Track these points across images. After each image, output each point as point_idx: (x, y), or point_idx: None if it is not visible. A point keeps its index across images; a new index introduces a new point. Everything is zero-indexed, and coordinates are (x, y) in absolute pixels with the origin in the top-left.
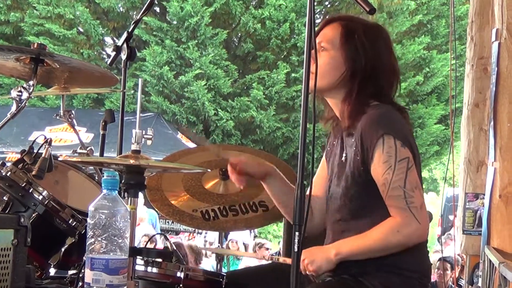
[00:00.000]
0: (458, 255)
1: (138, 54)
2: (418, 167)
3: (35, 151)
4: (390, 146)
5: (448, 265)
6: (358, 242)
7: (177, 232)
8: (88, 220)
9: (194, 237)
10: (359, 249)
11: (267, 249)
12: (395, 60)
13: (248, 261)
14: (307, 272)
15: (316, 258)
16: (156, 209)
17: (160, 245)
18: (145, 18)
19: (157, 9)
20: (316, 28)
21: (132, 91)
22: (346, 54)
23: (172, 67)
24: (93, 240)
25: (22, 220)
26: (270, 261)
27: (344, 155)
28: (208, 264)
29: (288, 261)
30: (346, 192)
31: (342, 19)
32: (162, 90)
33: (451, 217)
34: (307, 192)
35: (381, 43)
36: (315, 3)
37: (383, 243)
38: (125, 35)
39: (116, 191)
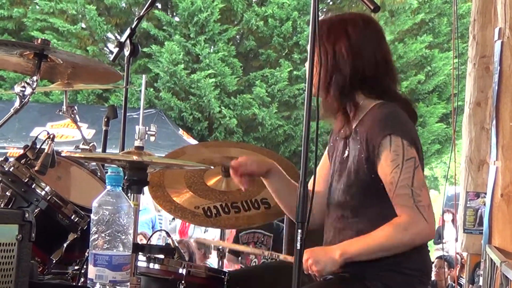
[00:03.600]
0: (458, 253)
1: (147, 49)
2: (422, 166)
3: (38, 146)
4: (398, 145)
5: (445, 263)
6: (364, 242)
7: None
8: (92, 216)
9: None
10: (365, 249)
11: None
12: (382, 54)
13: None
14: (310, 272)
15: (321, 259)
16: (158, 206)
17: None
18: (155, 12)
19: (163, 5)
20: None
21: (140, 88)
22: (327, 54)
23: (183, 64)
24: (96, 236)
25: (26, 215)
26: (270, 258)
27: (347, 152)
28: (209, 261)
29: (289, 258)
30: (348, 189)
31: (326, 21)
32: (173, 87)
33: (446, 216)
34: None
35: (363, 39)
36: (318, 1)
37: (390, 242)
38: (128, 31)
39: (120, 187)
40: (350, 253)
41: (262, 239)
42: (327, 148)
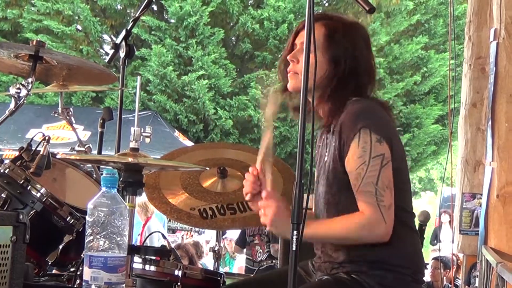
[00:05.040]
0: (454, 254)
1: (137, 53)
2: (400, 162)
3: (33, 148)
4: (366, 141)
5: (441, 264)
6: (323, 227)
7: (173, 231)
8: (87, 217)
9: (192, 236)
10: (321, 232)
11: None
12: (372, 57)
13: (242, 261)
14: (261, 221)
15: (279, 223)
16: (154, 207)
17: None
18: (143, 17)
19: (156, 8)
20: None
21: (134, 90)
22: (328, 55)
23: (173, 66)
24: (92, 237)
25: (21, 217)
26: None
27: (326, 152)
28: (205, 262)
29: None
30: (329, 189)
31: (323, 19)
32: (165, 90)
33: (443, 217)
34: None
35: (360, 41)
36: (313, 3)
37: (345, 234)
38: (123, 32)
39: (115, 189)
40: (305, 232)
41: (265, 230)
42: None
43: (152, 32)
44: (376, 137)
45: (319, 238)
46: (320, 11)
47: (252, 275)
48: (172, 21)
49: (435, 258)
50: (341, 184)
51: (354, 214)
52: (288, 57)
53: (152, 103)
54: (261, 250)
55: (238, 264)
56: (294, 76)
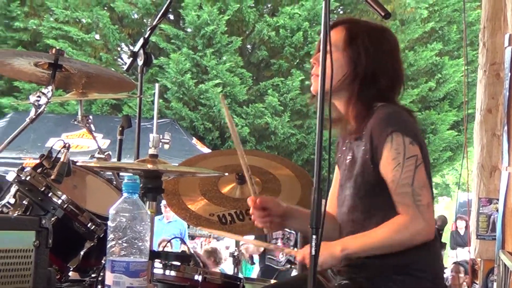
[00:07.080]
0: (472, 259)
1: (155, 61)
2: (428, 166)
3: (53, 155)
4: (399, 143)
5: (462, 269)
6: (365, 239)
7: (193, 237)
8: (109, 223)
9: (210, 242)
10: (365, 245)
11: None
12: (399, 64)
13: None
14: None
15: (321, 253)
16: (174, 213)
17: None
18: (162, 25)
19: (172, 17)
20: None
21: (151, 98)
22: (348, 57)
23: (190, 74)
24: (113, 243)
25: (43, 221)
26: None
27: (350, 156)
28: (225, 268)
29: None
30: (357, 192)
31: (347, 22)
32: (182, 97)
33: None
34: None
35: (384, 47)
36: (329, 10)
37: (389, 240)
38: (141, 41)
39: (137, 195)
40: (350, 249)
41: (288, 235)
42: (336, 167)
43: (171, 41)
44: (409, 139)
45: (364, 250)
46: (335, 19)
47: (271, 280)
48: (189, 30)
49: (456, 263)
50: (370, 188)
51: (393, 218)
52: (311, 60)
53: (169, 110)
54: (283, 253)
55: (257, 270)
56: (316, 79)
